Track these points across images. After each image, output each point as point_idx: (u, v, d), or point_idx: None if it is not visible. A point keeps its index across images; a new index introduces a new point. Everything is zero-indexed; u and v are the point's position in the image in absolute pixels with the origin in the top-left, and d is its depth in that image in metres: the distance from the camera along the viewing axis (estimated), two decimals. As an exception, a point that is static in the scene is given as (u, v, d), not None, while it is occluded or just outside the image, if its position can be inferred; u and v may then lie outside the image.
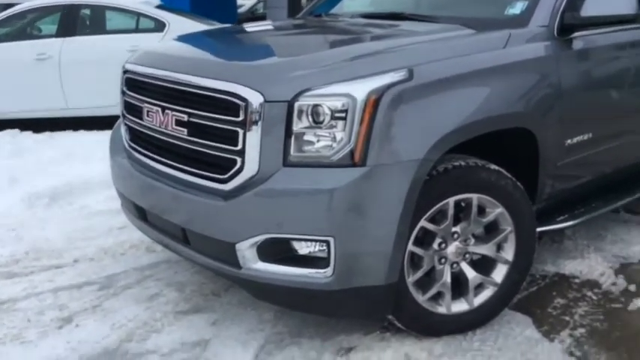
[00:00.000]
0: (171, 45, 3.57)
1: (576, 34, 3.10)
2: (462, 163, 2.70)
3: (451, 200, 2.70)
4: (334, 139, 2.43)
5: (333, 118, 2.41)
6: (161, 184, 2.86)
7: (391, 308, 2.64)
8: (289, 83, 2.46)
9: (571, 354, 2.79)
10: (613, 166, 3.68)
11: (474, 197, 2.76)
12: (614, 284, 3.44)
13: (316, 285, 2.50)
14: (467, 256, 2.88)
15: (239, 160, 2.52)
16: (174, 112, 2.75)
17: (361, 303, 2.58)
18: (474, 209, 2.78)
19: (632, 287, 3.39)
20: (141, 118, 3.00)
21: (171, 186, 2.81)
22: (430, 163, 2.52)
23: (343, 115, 2.40)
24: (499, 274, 2.92)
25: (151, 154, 2.97)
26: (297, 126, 2.44)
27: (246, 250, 2.54)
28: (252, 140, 2.47)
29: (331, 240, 2.43)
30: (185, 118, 2.70)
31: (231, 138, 2.54)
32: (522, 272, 2.98)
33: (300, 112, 2.43)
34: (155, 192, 2.92)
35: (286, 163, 2.46)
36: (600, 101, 3.36)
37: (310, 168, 2.45)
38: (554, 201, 3.29)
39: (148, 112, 2.93)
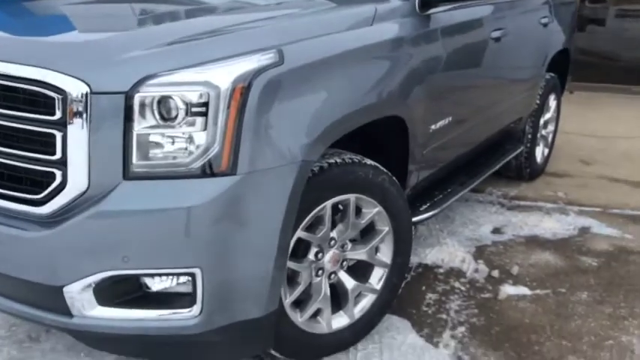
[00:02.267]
0: None
1: (434, 10, 2.82)
2: (338, 160, 2.29)
3: (329, 204, 2.29)
4: (192, 140, 1.86)
5: (189, 113, 1.84)
6: None
7: (272, 340, 2.16)
8: (125, 67, 1.84)
9: (459, 359, 2.55)
10: (467, 147, 3.56)
11: (352, 198, 2.37)
12: (476, 271, 3.32)
13: (179, 329, 1.94)
14: (344, 263, 2.50)
15: (58, 173, 1.86)
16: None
17: (237, 341, 2.08)
18: (352, 211, 2.40)
19: (495, 273, 3.29)
20: None
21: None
22: (311, 164, 2.07)
23: (203, 109, 1.84)
24: (377, 279, 2.59)
25: None
26: (140, 125, 1.84)
27: (79, 294, 1.90)
28: (77, 146, 1.82)
29: (197, 271, 1.88)
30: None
31: (44, 143, 1.86)
32: (401, 274, 2.68)
33: (143, 106, 1.83)
34: None
35: (128, 175, 1.85)
36: (458, 82, 3.15)
37: (161, 180, 1.86)
38: (416, 190, 3.04)
39: None
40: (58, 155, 1.83)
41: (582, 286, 3.20)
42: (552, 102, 5.00)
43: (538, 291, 3.13)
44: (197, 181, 1.86)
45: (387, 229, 2.52)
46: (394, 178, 2.53)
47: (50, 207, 1.87)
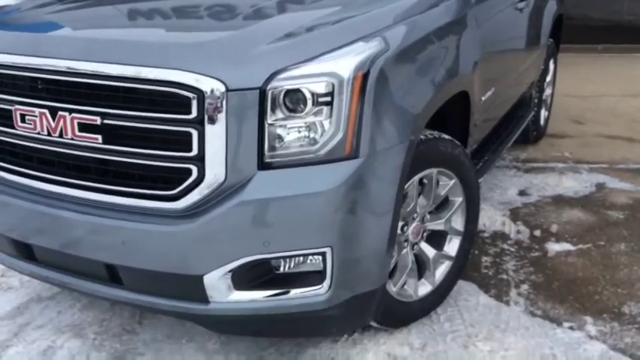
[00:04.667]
0: (35, 17, 2.65)
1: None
2: (422, 137, 2.44)
3: (416, 178, 2.44)
4: (318, 129, 1.98)
5: (315, 103, 1.95)
6: (63, 212, 2.13)
7: (379, 311, 2.33)
8: (256, 63, 1.93)
9: (533, 314, 2.77)
10: (500, 115, 3.75)
11: (434, 171, 2.53)
12: (518, 232, 3.54)
13: (309, 305, 2.08)
14: (424, 234, 2.67)
15: (195, 168, 1.95)
16: (75, 115, 2.03)
17: (354, 313, 2.23)
18: (434, 184, 2.56)
19: (537, 232, 3.52)
20: (11, 126, 2.18)
21: (82, 212, 2.10)
22: (415, 142, 2.22)
23: (328, 99, 1.96)
24: (452, 246, 2.76)
25: (36, 173, 2.20)
26: (272, 118, 1.94)
27: (218, 281, 2.01)
28: (214, 142, 1.92)
29: (328, 251, 2.02)
30: (97, 120, 2.01)
31: (179, 142, 1.94)
32: (471, 240, 2.86)
33: (274, 99, 1.93)
34: (53, 223, 2.18)
35: (262, 165, 1.96)
36: (498, 53, 3.33)
37: (293, 168, 1.98)
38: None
39: (23, 116, 2.14)
40: (195, 152, 1.92)
41: (618, 237, 3.46)
42: (551, 66, 5.25)
43: (581, 246, 3.37)
44: (325, 166, 1.98)
45: (460, 199, 2.69)
46: (466, 150, 2.69)
47: (186, 201, 1.97)
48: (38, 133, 2.12)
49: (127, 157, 2.01)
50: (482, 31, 2.95)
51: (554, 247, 3.36)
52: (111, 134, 2.01)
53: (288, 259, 2.05)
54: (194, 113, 1.90)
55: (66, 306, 2.83)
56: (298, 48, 1.99)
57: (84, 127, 2.03)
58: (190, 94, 1.89)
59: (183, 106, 1.90)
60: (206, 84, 1.88)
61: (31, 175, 2.21)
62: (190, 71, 1.88)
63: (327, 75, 1.94)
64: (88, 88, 2.00)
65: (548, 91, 5.32)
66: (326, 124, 1.97)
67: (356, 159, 2.00)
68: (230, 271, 2.00)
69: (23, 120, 2.13)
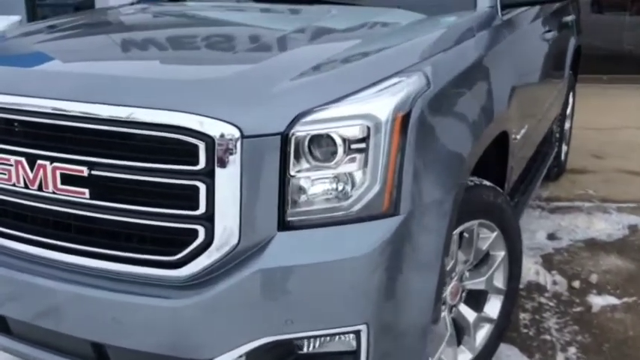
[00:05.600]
0: (17, 47, 2.32)
1: (510, 12, 2.69)
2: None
3: (457, 232, 2.10)
4: (350, 181, 1.64)
5: (347, 150, 1.62)
6: (40, 279, 1.78)
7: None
8: (277, 103, 1.60)
9: (586, 384, 2.41)
10: (529, 155, 3.43)
11: (476, 224, 2.19)
12: (555, 283, 3.20)
13: (340, 393, 1.71)
14: (463, 295, 2.32)
15: (202, 229, 1.60)
16: (57, 164, 1.69)
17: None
18: (476, 238, 2.22)
19: (576, 284, 3.18)
20: (-20, 175, 1.84)
21: (64, 280, 1.75)
22: (462, 191, 1.88)
23: (362, 145, 1.62)
24: (493, 307, 2.41)
25: (9, 232, 1.85)
26: (295, 168, 1.61)
27: (230, 366, 1.65)
28: (226, 197, 1.57)
29: (363, 328, 1.66)
30: (84, 171, 1.66)
31: (184, 198, 1.60)
32: (513, 299, 2.51)
33: (299, 147, 1.60)
34: (28, 291, 1.82)
35: (284, 225, 1.62)
36: (529, 86, 3.02)
37: (320, 228, 1.63)
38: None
39: (-5, 164, 1.79)
40: (202, 209, 1.58)
41: (664, 288, 3.12)
42: (570, 98, 4.97)
43: (626, 299, 3.03)
44: (359, 226, 1.64)
45: (503, 253, 2.35)
46: (508, 198, 2.36)
47: (190, 269, 1.62)
48: (13, 185, 1.77)
49: (120, 216, 1.66)
50: (515, 64, 2.64)
51: (597, 300, 3.02)
52: (100, 188, 1.67)
53: (314, 339, 1.69)
54: (202, 163, 1.56)
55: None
56: (326, 85, 1.67)
57: (67, 180, 1.69)
58: (197, 142, 1.55)
59: (189, 155, 1.57)
60: (215, 128, 1.54)
61: (4, 233, 1.85)
62: (194, 113, 1.55)
63: (362, 117, 1.61)
64: (74, 132, 1.67)
65: (567, 125, 5.03)
66: (359, 175, 1.63)
67: (396, 216, 1.66)
68: (244, 355, 1.63)
69: (-5, 169, 1.79)
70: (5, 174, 1.77)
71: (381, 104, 1.63)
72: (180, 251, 1.62)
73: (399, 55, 1.85)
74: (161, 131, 1.57)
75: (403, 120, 1.65)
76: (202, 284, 1.62)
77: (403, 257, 1.68)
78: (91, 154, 1.65)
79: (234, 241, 1.59)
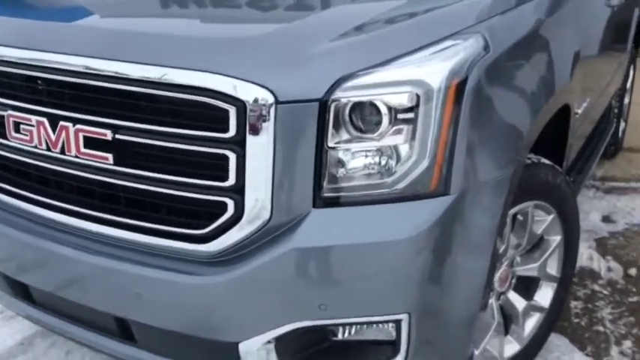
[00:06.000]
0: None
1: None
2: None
3: (510, 214, 1.91)
4: (396, 155, 1.48)
5: (393, 121, 1.45)
6: (61, 248, 1.68)
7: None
8: (315, 66, 1.44)
9: (643, 382, 2.22)
10: (588, 131, 3.19)
11: (531, 205, 2.00)
12: (609, 270, 2.99)
13: (376, 385, 1.58)
14: (513, 281, 2.14)
15: (231, 202, 1.47)
16: (80, 126, 1.57)
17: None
18: (530, 221, 2.03)
19: (632, 271, 2.95)
20: (3, 135, 1.74)
21: (86, 250, 1.64)
22: (520, 169, 1.70)
23: (411, 115, 1.45)
24: (545, 295, 2.23)
25: (32, 196, 1.74)
26: (335, 139, 1.45)
27: (258, 351, 1.52)
28: (258, 168, 1.43)
29: (404, 317, 1.51)
30: (108, 135, 1.54)
31: (212, 167, 1.46)
32: (567, 287, 2.32)
33: (338, 115, 1.43)
34: (48, 259, 1.73)
35: (320, 201, 1.46)
36: (591, 57, 2.77)
37: (360, 207, 1.48)
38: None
39: (17, 124, 1.69)
40: (231, 181, 1.44)
41: None
42: (631, 72, 4.64)
43: (687, 290, 2.80)
44: (404, 205, 1.48)
45: (559, 238, 2.16)
46: (568, 177, 2.16)
47: (219, 244, 1.49)
48: (35, 147, 1.66)
49: (145, 184, 1.54)
50: (578, 31, 2.40)
51: (656, 291, 2.79)
52: (124, 153, 1.54)
53: (349, 326, 1.55)
54: (232, 131, 1.41)
55: (76, 345, 2.38)
56: (371, 46, 1.49)
57: (91, 143, 1.57)
58: (227, 106, 1.40)
59: (219, 120, 1.42)
60: (248, 92, 1.39)
61: (26, 197, 1.75)
62: (227, 75, 1.40)
63: (411, 83, 1.44)
64: (99, 92, 1.54)
65: (626, 100, 4.72)
66: (406, 148, 1.47)
67: (445, 196, 1.49)
68: (274, 340, 1.51)
69: (17, 129, 1.68)
70: (27, 135, 1.66)
71: (433, 69, 1.45)
72: (208, 224, 1.50)
73: (453, 16, 1.65)
74: (190, 94, 1.43)
75: (458, 88, 1.47)
76: (231, 261, 1.49)
77: (452, 241, 1.52)
78: (116, 116, 1.53)
79: (266, 216, 1.45)
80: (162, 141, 1.49)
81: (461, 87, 1.47)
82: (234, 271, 1.47)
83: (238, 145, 1.42)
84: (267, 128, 1.40)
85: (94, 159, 1.57)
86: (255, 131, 1.40)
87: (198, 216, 1.52)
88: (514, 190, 1.71)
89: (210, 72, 1.41)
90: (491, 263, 1.64)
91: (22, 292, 1.86)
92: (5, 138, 1.72)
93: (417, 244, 1.46)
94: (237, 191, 1.45)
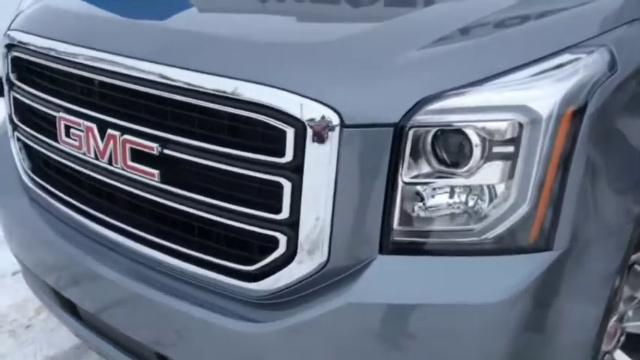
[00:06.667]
0: None
1: None
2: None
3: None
4: (488, 195, 1.19)
5: (486, 154, 1.16)
6: (101, 267, 1.52)
7: None
8: (395, 82, 1.18)
9: None
10: None
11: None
12: None
13: None
14: (621, 339, 1.79)
15: (283, 238, 1.24)
16: (127, 137, 1.39)
17: None
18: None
19: None
20: (53, 137, 1.60)
21: (126, 273, 1.48)
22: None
23: (510, 148, 1.16)
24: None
25: (79, 205, 1.60)
26: (411, 173, 1.18)
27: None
28: (316, 201, 1.19)
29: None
30: (155, 149, 1.35)
31: (264, 195, 1.24)
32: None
33: (417, 143, 1.17)
34: (89, 277, 1.58)
35: (387, 245, 1.21)
36: None
37: (438, 257, 1.21)
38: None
39: (67, 128, 1.54)
40: (285, 214, 1.22)
41: None
42: None
43: None
44: (495, 260, 1.19)
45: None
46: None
47: (269, 284, 1.28)
48: (84, 154, 1.51)
49: (191, 207, 1.35)
50: None
51: None
52: (171, 171, 1.35)
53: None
54: (289, 156, 1.19)
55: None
56: (466, 59, 1.21)
57: (137, 156, 1.39)
58: (284, 126, 1.17)
59: (274, 142, 1.20)
60: (307, 111, 1.16)
61: (76, 207, 1.62)
62: (287, 90, 1.17)
63: (513, 109, 1.15)
64: (151, 100, 1.36)
65: None
66: (501, 188, 1.18)
67: (548, 251, 1.19)
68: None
69: (68, 133, 1.54)
70: (76, 140, 1.52)
71: (543, 92, 1.16)
72: (258, 260, 1.28)
73: (570, 23, 1.33)
74: (244, 109, 1.21)
75: (574, 117, 1.16)
76: (282, 306, 1.27)
77: (553, 307, 1.22)
78: (164, 128, 1.34)
79: (322, 258, 1.22)
80: (211, 160, 1.28)
81: (578, 116, 1.16)
82: (283, 319, 1.24)
83: (295, 172, 1.19)
84: (329, 155, 1.16)
85: (141, 174, 1.40)
86: (315, 157, 1.17)
87: (248, 249, 1.31)
88: (636, 239, 1.37)
89: (265, 84, 1.18)
90: (600, 329, 1.31)
91: (69, 306, 1.73)
92: (57, 141, 1.59)
93: (509, 310, 1.17)
94: (291, 226, 1.22)
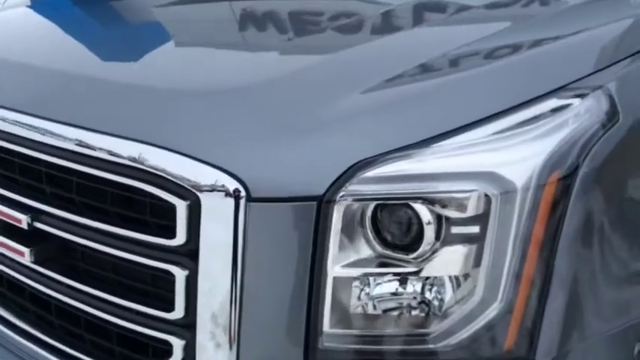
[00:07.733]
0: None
1: None
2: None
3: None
4: (447, 290, 0.89)
5: (443, 236, 0.86)
6: None
7: None
8: (322, 140, 0.89)
9: None
10: None
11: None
12: None
13: None
14: None
15: (178, 342, 0.94)
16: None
17: None
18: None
19: None
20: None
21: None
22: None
23: (476, 228, 0.86)
24: None
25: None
26: (342, 259, 0.88)
27: None
28: (215, 296, 0.90)
29: None
30: (23, 221, 1.05)
31: (154, 287, 0.95)
32: None
33: (351, 222, 0.87)
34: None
35: (314, 353, 0.90)
36: None
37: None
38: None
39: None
40: (179, 312, 0.91)
41: None
42: None
43: None
44: (455, 376, 0.88)
45: None
46: None
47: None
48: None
49: (66, 295, 1.05)
50: None
51: None
52: (44, 250, 1.06)
53: None
54: (180, 237, 0.89)
55: None
56: (412, 111, 0.92)
57: (8, 230, 1.09)
58: (172, 199, 0.88)
59: (162, 218, 0.91)
60: (202, 180, 0.87)
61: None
62: (172, 150, 0.88)
63: (477, 177, 0.86)
64: (21, 161, 1.07)
65: None
66: (464, 281, 0.88)
67: (529, 363, 0.88)
68: None
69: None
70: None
71: (518, 154, 0.87)
72: (152, 365, 0.97)
73: (556, 58, 1.04)
74: (121, 174, 0.92)
75: (561, 185, 0.87)
76: None
77: None
78: (35, 197, 1.04)
79: (226, 368, 0.91)
80: (88, 239, 0.99)
81: (566, 185, 0.87)
82: None
83: (189, 258, 0.89)
84: (232, 237, 0.86)
85: (12, 251, 1.10)
86: (213, 240, 0.87)
87: (141, 352, 1.00)
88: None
89: (146, 143, 0.89)
90: None
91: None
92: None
93: None
94: (187, 327, 0.92)
